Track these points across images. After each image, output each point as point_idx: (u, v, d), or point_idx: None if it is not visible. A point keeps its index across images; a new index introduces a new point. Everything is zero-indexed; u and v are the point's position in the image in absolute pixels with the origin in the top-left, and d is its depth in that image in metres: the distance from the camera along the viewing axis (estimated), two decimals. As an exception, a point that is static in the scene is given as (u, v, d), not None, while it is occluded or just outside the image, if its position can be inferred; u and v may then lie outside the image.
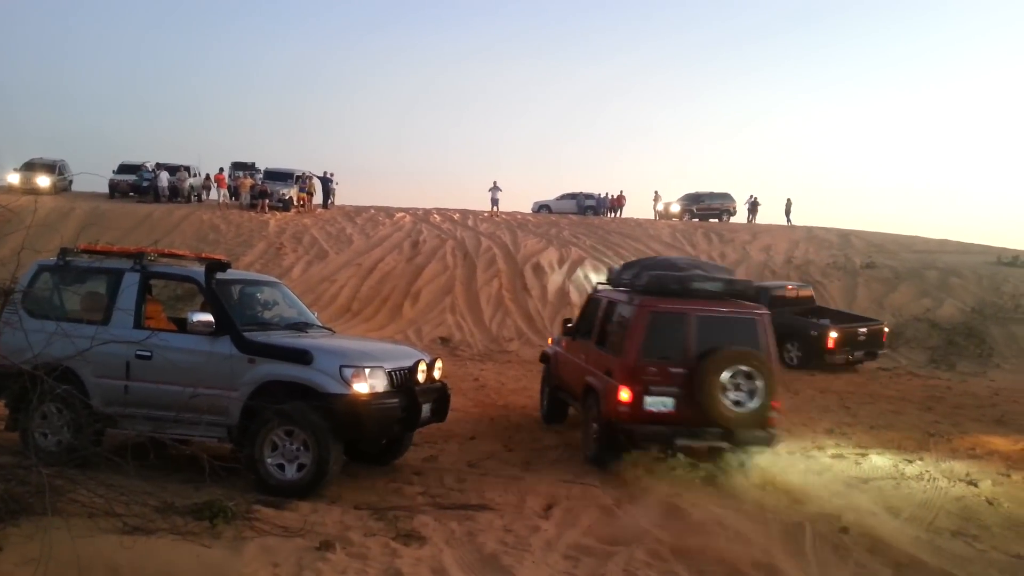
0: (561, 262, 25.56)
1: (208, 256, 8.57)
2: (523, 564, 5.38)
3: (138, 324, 7.30)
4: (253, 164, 36.95)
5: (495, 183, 35.46)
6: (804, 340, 17.15)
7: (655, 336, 8.13)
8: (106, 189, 33.17)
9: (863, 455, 9.49)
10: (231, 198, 33.16)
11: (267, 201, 30.75)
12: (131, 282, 7.46)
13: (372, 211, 33.14)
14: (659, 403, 7.96)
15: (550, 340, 11.70)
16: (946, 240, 33.58)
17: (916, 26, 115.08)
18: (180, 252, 8.98)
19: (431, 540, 5.75)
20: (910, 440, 10.53)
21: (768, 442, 8.11)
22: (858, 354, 17.49)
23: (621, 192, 40.50)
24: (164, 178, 32.94)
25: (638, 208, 41.18)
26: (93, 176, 35.87)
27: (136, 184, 33.06)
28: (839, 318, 18.31)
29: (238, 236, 27.01)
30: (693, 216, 38.36)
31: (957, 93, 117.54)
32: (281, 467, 6.68)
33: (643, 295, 8.49)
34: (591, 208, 39.42)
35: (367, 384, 6.73)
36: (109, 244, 24.69)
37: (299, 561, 5.11)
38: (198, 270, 7.66)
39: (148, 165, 34.48)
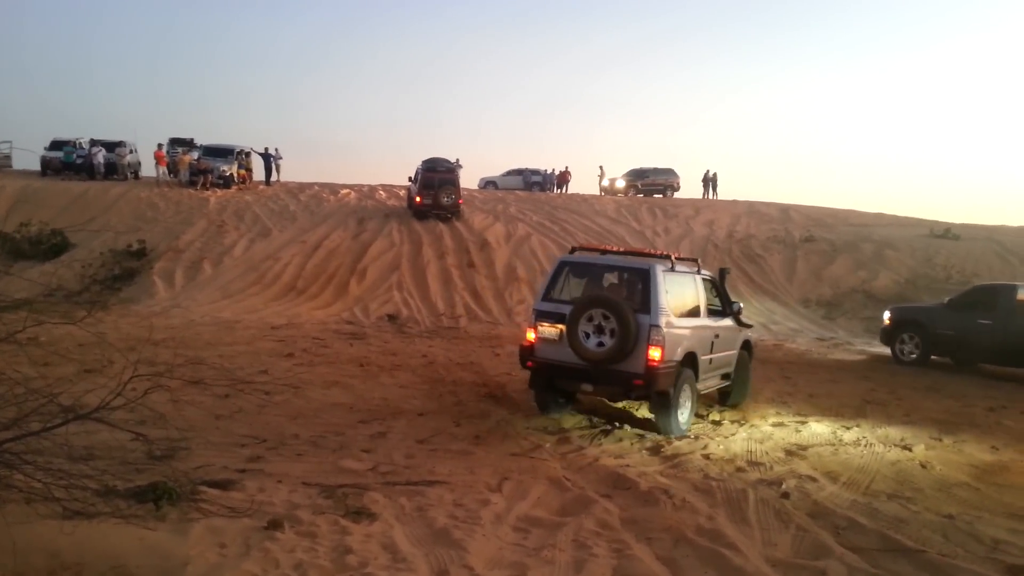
0: (508, 238, 25.57)
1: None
2: (474, 537, 5.40)
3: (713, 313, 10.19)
4: (192, 140, 36.01)
5: (456, 160, 35.30)
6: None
7: None
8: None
9: (803, 423, 9.76)
10: (169, 175, 32.29)
11: (208, 178, 30.02)
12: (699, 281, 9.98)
13: (316, 188, 32.62)
14: None
15: None
16: (881, 214, 34.54)
17: (856, 3, 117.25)
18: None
19: (381, 516, 5.73)
20: (847, 408, 10.86)
21: None
22: None
23: (567, 168, 40.67)
24: (101, 154, 31.90)
25: (584, 184, 41.33)
26: (28, 153, 34.63)
27: (67, 160, 31.89)
28: None
29: (177, 214, 26.34)
30: (638, 192, 38.72)
31: (894, 65, 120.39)
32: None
33: None
34: (537, 184, 39.48)
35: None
36: (43, 223, 23.91)
37: (247, 541, 5.05)
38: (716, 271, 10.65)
39: (80, 141, 33.35)
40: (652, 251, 13.67)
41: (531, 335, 9.23)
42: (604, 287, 9.62)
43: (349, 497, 6.13)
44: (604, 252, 10.50)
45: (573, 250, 10.75)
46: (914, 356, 15.36)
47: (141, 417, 6.85)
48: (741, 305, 11.02)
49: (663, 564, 5.19)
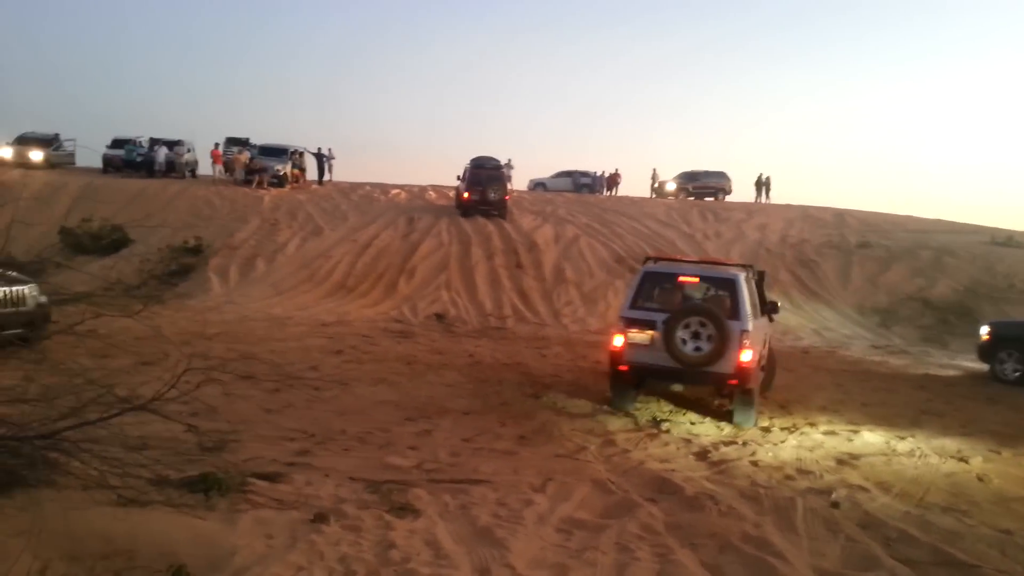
0: (556, 239, 25.53)
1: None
2: (516, 537, 5.40)
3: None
4: (247, 140, 36.74)
5: (508, 160, 35.65)
6: None
7: None
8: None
9: (855, 432, 9.55)
10: (225, 173, 32.97)
11: (262, 177, 30.58)
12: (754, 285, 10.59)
13: (367, 187, 33.02)
14: None
15: None
16: (940, 220, 33.61)
17: (914, 12, 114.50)
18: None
19: (425, 513, 5.78)
20: (902, 418, 10.60)
21: None
22: None
23: (616, 170, 40.53)
24: (162, 153, 32.76)
25: (634, 186, 41.15)
26: (91, 151, 35.81)
27: (128, 159, 32.80)
28: None
29: (233, 212, 26.89)
30: (689, 195, 38.37)
31: (957, 75, 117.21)
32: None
33: None
34: (587, 186, 39.38)
35: None
36: (104, 219, 24.57)
37: (293, 533, 5.13)
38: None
39: (140, 140, 34.26)
40: (727, 260, 14.37)
41: (619, 340, 9.71)
42: (689, 295, 10.52)
43: (394, 493, 6.19)
44: (679, 261, 11.66)
45: (647, 259, 11.51)
46: (1017, 374, 14.06)
47: (194, 409, 7.07)
48: (779, 304, 11.80)
49: (707, 570, 5.12)
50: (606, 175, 40.36)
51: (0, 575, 4.01)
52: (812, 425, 9.82)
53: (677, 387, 10.21)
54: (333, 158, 34.64)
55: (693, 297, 10.56)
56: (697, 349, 9.39)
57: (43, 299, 12.15)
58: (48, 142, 33.68)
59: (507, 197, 27.80)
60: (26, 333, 11.72)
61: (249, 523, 5.22)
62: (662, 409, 10.18)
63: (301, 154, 33.69)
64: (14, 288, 11.60)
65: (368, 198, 30.54)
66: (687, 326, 9.43)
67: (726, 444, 8.68)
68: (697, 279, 10.51)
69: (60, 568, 4.16)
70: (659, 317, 9.61)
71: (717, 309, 9.61)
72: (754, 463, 7.94)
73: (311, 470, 6.69)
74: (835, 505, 6.60)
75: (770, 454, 8.35)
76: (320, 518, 5.40)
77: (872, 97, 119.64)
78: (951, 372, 15.41)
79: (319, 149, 34.26)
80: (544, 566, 5.00)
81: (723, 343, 9.26)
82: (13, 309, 11.53)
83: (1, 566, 4.12)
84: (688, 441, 8.77)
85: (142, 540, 4.65)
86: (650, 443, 8.61)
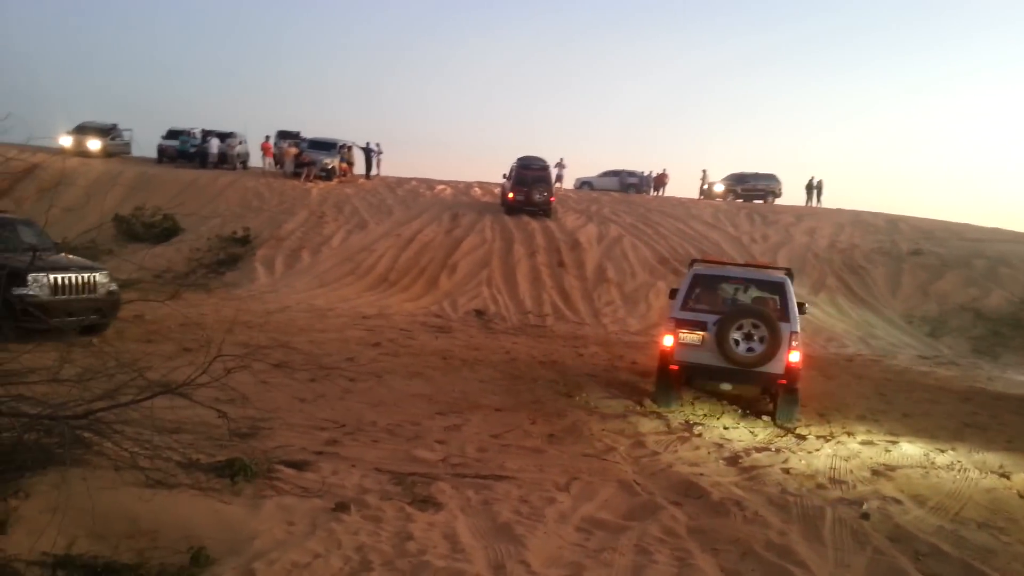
0: (600, 239, 25.40)
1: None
2: (535, 534, 5.40)
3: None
4: (298, 133, 37.26)
5: (561, 160, 35.84)
6: None
7: None
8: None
9: (893, 442, 9.34)
10: (275, 166, 33.50)
11: (311, 170, 30.99)
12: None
13: (413, 183, 33.25)
14: None
15: None
16: (998, 229, 32.62)
17: (978, 16, 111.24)
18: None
19: (446, 506, 5.81)
20: (944, 430, 10.33)
21: None
22: None
23: (664, 170, 40.13)
24: (215, 144, 33.44)
25: (682, 187, 40.70)
26: (146, 141, 36.83)
27: (182, 150, 33.56)
28: None
29: (281, 204, 27.31)
30: (737, 197, 37.85)
31: (1018, 76, 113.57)
32: None
33: None
34: (633, 186, 39.10)
35: None
36: (157, 208, 25.19)
37: (314, 520, 5.20)
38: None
39: (193, 131, 35.00)
40: (770, 264, 14.44)
41: (670, 340, 10.05)
42: (738, 297, 10.94)
43: (418, 485, 6.24)
44: (723, 264, 11.97)
45: (693, 262, 11.87)
46: None
47: (230, 396, 7.17)
48: (805, 305, 11.93)
49: (726, 576, 5.06)
50: (653, 175, 40.03)
51: (27, 549, 4.14)
52: (849, 434, 9.62)
53: (725, 386, 10.51)
54: (381, 153, 34.95)
55: (741, 299, 10.94)
56: (750, 350, 9.74)
57: (114, 286, 12.12)
58: (106, 132, 34.60)
59: (552, 199, 27.75)
60: (96, 320, 11.80)
61: (272, 509, 5.31)
62: (696, 412, 10.09)
63: (350, 148, 34.05)
64: (85, 275, 11.55)
65: (414, 193, 30.76)
66: (740, 327, 9.77)
67: (759, 450, 8.55)
68: (747, 282, 10.92)
69: (85, 545, 4.28)
70: (710, 318, 9.96)
71: (771, 312, 10.06)
72: (786, 470, 7.80)
73: (338, 460, 6.77)
74: (865, 516, 6.45)
75: (803, 462, 8.20)
76: (341, 507, 5.47)
77: (930, 101, 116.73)
78: (999, 386, 14.96)
79: (367, 144, 34.60)
80: (559, 565, 4.99)
81: (775, 344, 9.64)
82: (85, 296, 11.44)
83: (29, 540, 4.25)
84: (720, 446, 8.66)
85: (166, 521, 4.76)
86: (681, 446, 8.53)
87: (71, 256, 12.38)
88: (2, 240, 11.72)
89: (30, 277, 10.61)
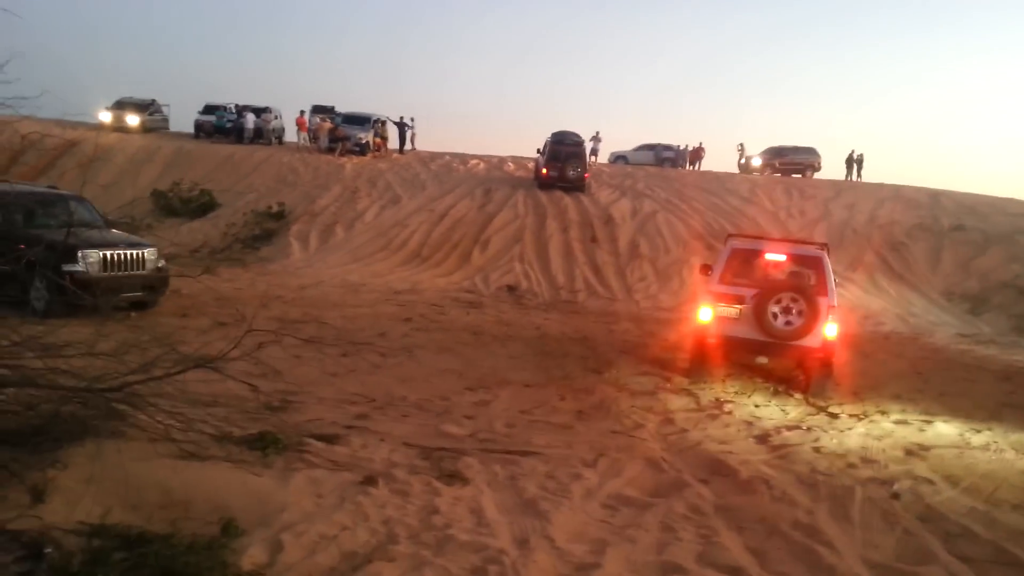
0: (633, 214, 25.21)
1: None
2: (560, 510, 5.43)
3: None
4: (333, 108, 37.39)
5: (597, 133, 35.82)
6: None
7: None
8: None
9: (928, 422, 9.20)
10: (310, 141, 33.70)
11: (345, 145, 31.11)
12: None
13: (447, 157, 33.23)
14: None
15: None
16: (1045, 203, 31.72)
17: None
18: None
19: (473, 481, 5.86)
20: (981, 410, 10.15)
21: None
22: None
23: (700, 144, 39.64)
24: (250, 119, 33.70)
25: (720, 161, 40.21)
26: (184, 116, 37.29)
27: (218, 125, 33.89)
28: None
29: (315, 179, 27.51)
30: (775, 171, 37.25)
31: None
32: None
33: None
34: (669, 160, 38.66)
35: None
36: (194, 183, 25.63)
37: (342, 493, 5.29)
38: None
39: (229, 106, 35.30)
40: (807, 240, 15.20)
41: (707, 313, 10.17)
42: (775, 272, 10.90)
43: (445, 460, 6.29)
44: (759, 239, 11.98)
45: (729, 236, 12.01)
46: None
47: (263, 370, 7.31)
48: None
49: (751, 555, 5.04)
50: (689, 149, 39.55)
51: (64, 518, 4.26)
52: (883, 413, 9.50)
53: (762, 360, 10.44)
54: (414, 127, 34.99)
55: (778, 274, 10.95)
56: (788, 324, 9.83)
57: (162, 263, 12.23)
58: (144, 107, 35.06)
59: (586, 175, 27.54)
60: (145, 297, 11.97)
61: (302, 482, 5.40)
62: (727, 390, 10.04)
63: (384, 123, 34.11)
64: (134, 251, 11.67)
65: (447, 168, 30.76)
66: (779, 301, 9.86)
67: (789, 429, 8.48)
68: (785, 256, 10.83)
69: (119, 514, 4.39)
70: (747, 292, 10.05)
71: (809, 286, 10.18)
72: (816, 449, 7.74)
73: (368, 434, 6.85)
74: (896, 496, 6.38)
75: (835, 441, 8.12)
76: (369, 481, 5.55)
77: (981, 73, 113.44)
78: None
79: (401, 118, 34.63)
80: (583, 540, 5.02)
81: (813, 318, 9.73)
82: (134, 272, 11.55)
83: (66, 510, 4.38)
84: (750, 424, 8.61)
85: (198, 493, 4.87)
86: (710, 424, 8.50)
87: (119, 232, 12.55)
88: (54, 216, 11.95)
89: (79, 253, 10.80)
